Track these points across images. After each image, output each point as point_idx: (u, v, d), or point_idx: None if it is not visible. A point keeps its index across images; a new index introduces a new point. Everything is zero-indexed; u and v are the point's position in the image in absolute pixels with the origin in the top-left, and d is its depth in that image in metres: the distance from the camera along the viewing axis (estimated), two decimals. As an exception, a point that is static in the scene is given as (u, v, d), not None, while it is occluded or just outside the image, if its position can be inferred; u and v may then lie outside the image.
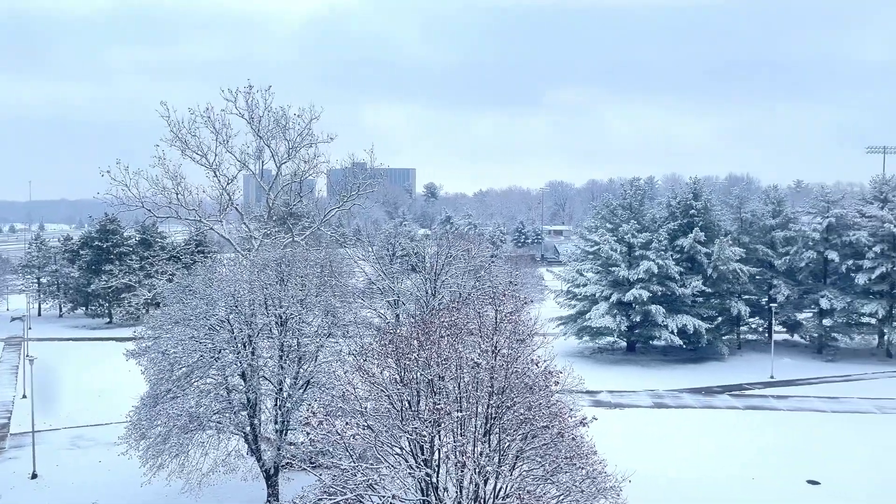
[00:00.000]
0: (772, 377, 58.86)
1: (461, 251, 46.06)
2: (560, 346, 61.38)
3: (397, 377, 22.16)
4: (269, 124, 46.91)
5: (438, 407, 20.87)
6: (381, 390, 22.16)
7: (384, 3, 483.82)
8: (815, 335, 68.70)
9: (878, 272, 64.12)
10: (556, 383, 23.97)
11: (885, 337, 66.46)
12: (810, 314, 69.92)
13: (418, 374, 21.74)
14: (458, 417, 21.23)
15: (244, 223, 49.95)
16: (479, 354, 21.80)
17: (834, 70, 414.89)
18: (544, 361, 24.77)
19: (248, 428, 32.11)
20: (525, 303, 25.40)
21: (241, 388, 31.72)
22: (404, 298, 45.86)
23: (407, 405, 21.87)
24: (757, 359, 64.92)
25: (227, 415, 31.47)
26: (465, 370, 21.93)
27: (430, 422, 21.01)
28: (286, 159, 47.96)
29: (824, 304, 65.69)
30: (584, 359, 64.66)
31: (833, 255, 66.49)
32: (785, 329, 70.91)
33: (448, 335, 22.75)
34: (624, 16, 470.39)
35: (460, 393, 21.78)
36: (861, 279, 64.70)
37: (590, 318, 65.06)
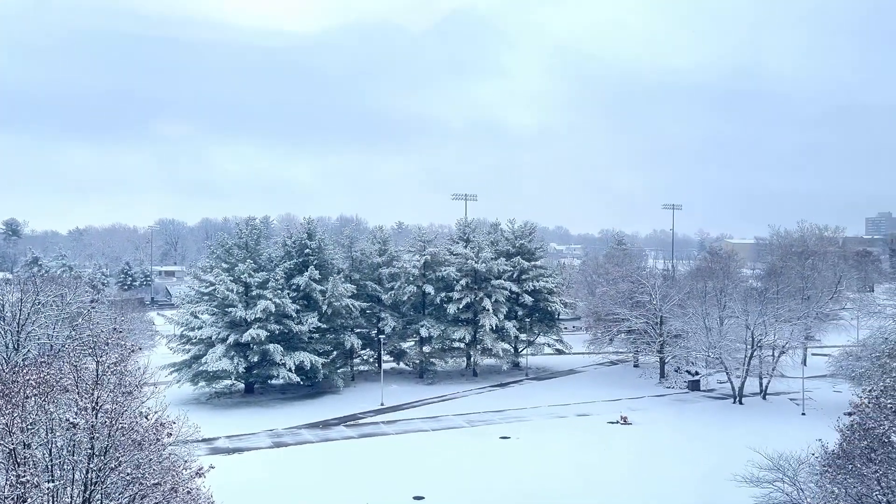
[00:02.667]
0: (382, 404, 63.18)
1: (53, 297, 40.42)
2: (174, 394, 57.62)
3: (-35, 452, 18.21)
4: None
5: (23, 480, 17.67)
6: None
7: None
8: (417, 361, 75.99)
9: (464, 302, 73.74)
10: (169, 435, 22.23)
11: (472, 358, 76.52)
12: (413, 343, 77.26)
13: (-5, 444, 18.17)
14: (49, 489, 18.25)
15: None
16: (75, 413, 19.11)
17: (426, 127, 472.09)
18: (155, 413, 22.81)
19: None
20: (133, 351, 23.15)
21: None
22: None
23: (-21, 484, 18.07)
24: (369, 388, 69.15)
25: None
26: (58, 433, 19.02)
27: (11, 499, 17.65)
28: None
29: (424, 332, 73.25)
30: (200, 405, 61.64)
31: (430, 289, 74.64)
32: (392, 358, 77.05)
33: (36, 394, 19.53)
34: (224, 52, 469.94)
35: (52, 460, 18.81)
36: (452, 308, 73.69)
37: (206, 362, 62.38)
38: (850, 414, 32.16)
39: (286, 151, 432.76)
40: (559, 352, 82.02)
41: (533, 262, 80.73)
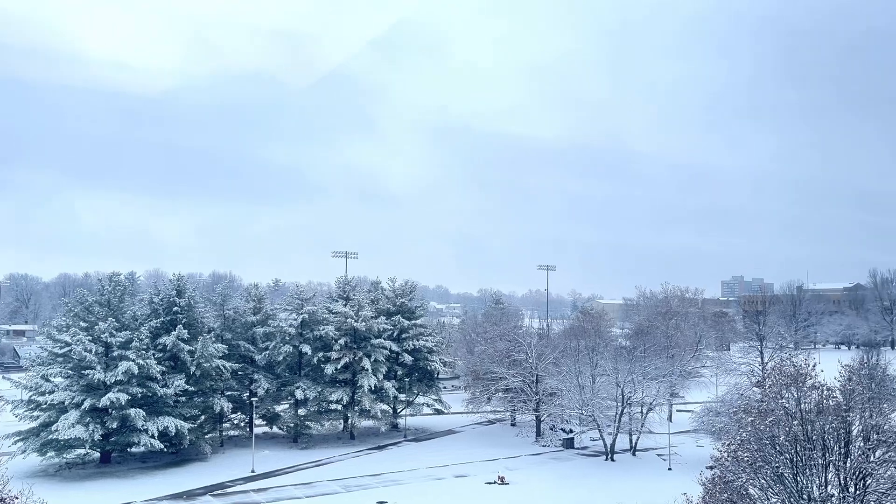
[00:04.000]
0: (253, 471, 60.04)
1: None
2: (18, 466, 52.37)
3: None
4: None
5: None
6: None
7: None
8: (292, 425, 73.12)
9: (342, 362, 72.19)
10: (6, 514, 19.92)
11: (350, 421, 74.59)
12: (287, 405, 74.43)
13: None
14: None
15: None
16: None
17: (305, 183, 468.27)
18: (-10, 489, 20.43)
19: None
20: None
21: None
22: None
23: None
24: (239, 454, 65.69)
25: None
26: None
27: None
28: None
29: (299, 394, 70.79)
30: (48, 478, 56.25)
31: (306, 349, 72.60)
32: (265, 422, 73.77)
33: None
34: (83, 94, 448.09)
35: None
36: (329, 369, 71.89)
37: (57, 430, 57.09)
38: (711, 468, 33.63)
39: (155, 203, 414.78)
40: (438, 412, 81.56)
41: (413, 321, 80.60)
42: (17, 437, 58.53)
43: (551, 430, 74.85)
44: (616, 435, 65.98)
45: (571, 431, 72.64)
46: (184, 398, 64.28)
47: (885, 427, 32.15)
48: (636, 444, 67.69)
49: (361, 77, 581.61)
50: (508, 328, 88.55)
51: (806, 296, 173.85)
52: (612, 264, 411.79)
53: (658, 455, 66.54)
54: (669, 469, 61.69)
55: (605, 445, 66.27)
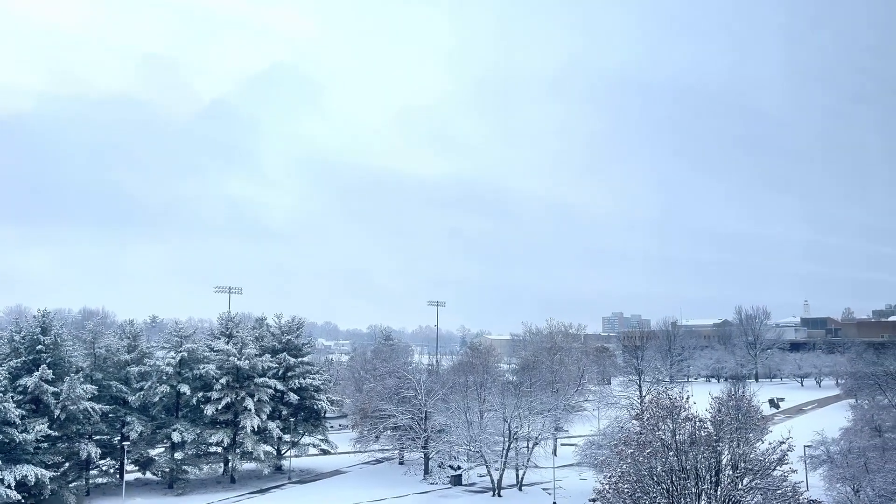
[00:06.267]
0: (123, 521, 56.07)
1: None
2: None
3: None
4: None
5: None
6: None
7: None
8: (167, 469, 69.04)
9: (224, 402, 69.14)
10: None
11: (230, 464, 71.26)
12: (163, 448, 70.29)
13: None
14: None
15: None
16: None
17: (183, 217, 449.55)
18: None
19: None
20: None
21: None
22: None
23: None
24: (107, 503, 61.21)
25: None
26: None
27: None
28: None
29: (176, 437, 67.03)
30: None
31: (185, 388, 69.08)
32: (137, 468, 69.31)
33: None
34: None
35: None
36: (209, 410, 68.64)
37: None
38: (594, 500, 34.36)
39: (17, 235, 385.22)
40: (325, 452, 79.46)
41: (300, 359, 78.56)
42: None
43: (439, 467, 74.50)
44: (503, 470, 66.48)
45: (459, 468, 72.59)
46: (46, 444, 59.39)
47: (751, 456, 34.06)
48: (522, 478, 68.43)
49: (241, 109, 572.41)
50: (398, 364, 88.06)
51: (680, 331, 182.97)
52: (498, 300, 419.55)
53: (543, 489, 67.50)
54: (554, 503, 62.64)
55: (493, 481, 66.57)
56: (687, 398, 36.88)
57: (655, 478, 32.32)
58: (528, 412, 68.64)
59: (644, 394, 74.54)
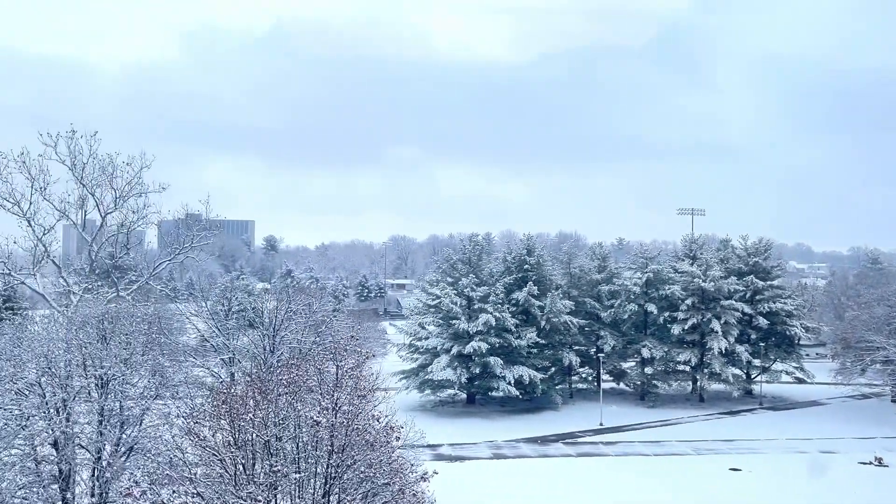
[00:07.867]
0: (601, 424, 62.01)
1: (302, 305, 45.04)
2: (402, 400, 61.04)
3: (231, 439, 20.96)
4: (93, 171, 43.60)
5: (275, 469, 19.96)
6: (213, 454, 20.84)
7: (205, 59, 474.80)
8: (639, 383, 73.48)
9: (690, 322, 70.09)
10: (398, 438, 23.75)
11: (699, 383, 72.38)
12: (633, 363, 74.88)
13: (254, 435, 20.71)
14: (296, 479, 20.40)
15: (62, 277, 45.84)
16: (318, 412, 21.18)
17: (639, 145, 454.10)
18: (386, 417, 24.52)
19: (60, 503, 28.91)
20: (367, 357, 25.09)
21: (52, 458, 28.61)
22: (240, 356, 43.85)
23: (241, 469, 20.70)
24: (588, 407, 68.20)
25: (34, 489, 28.17)
26: (303, 429, 21.19)
27: (265, 486, 20.02)
28: (112, 209, 44.71)
29: (645, 353, 70.70)
30: (425, 412, 64.80)
31: (652, 308, 71.96)
32: (612, 378, 75.30)
33: (286, 393, 21.95)
34: (441, 83, 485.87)
35: (298, 453, 20.99)
36: (676, 329, 70.39)
37: (431, 371, 65.62)
38: None
39: (503, 172, 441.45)
40: (799, 380, 74.89)
41: (769, 282, 74.68)
42: (402, 376, 68.55)
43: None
44: None
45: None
46: (535, 350, 68.65)
47: None
48: None
49: (695, 30, 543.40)
50: (889, 291, 76.95)
51: None
52: None
53: None
54: None
55: None
56: None
57: None
58: None
59: None
